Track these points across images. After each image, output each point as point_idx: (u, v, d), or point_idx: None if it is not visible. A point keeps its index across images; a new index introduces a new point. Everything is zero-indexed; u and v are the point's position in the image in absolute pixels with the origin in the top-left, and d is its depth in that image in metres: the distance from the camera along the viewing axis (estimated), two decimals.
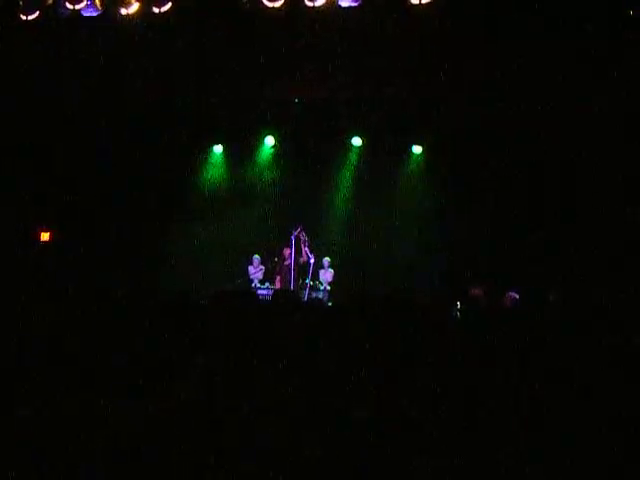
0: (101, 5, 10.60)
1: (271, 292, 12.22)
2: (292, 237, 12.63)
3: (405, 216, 13.19)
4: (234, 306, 4.79)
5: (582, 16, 9.34)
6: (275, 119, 13.64)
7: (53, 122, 12.42)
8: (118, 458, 3.27)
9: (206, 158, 14.40)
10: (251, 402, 3.60)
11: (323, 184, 13.81)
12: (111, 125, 12.66)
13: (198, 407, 3.62)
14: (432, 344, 4.35)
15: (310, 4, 10.07)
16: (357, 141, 13.83)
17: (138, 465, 3.25)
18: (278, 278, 13.09)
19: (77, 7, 10.54)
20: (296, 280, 12.72)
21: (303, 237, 12.68)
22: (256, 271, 13.43)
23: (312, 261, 12.70)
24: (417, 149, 13.65)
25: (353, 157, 13.97)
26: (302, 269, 12.84)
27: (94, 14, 10.66)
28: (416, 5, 9.73)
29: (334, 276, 13.14)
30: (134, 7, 10.55)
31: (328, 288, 12.97)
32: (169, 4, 10.41)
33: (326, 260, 13.19)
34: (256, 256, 13.42)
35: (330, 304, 11.18)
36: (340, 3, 10.07)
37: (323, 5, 10.05)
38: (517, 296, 8.79)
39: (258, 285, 13.14)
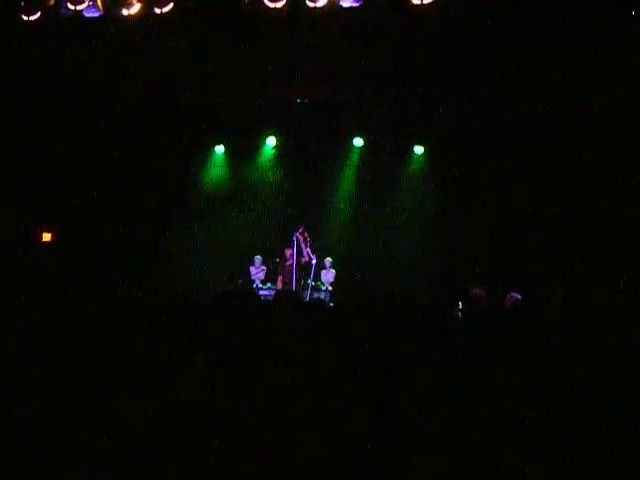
0: (102, 6, 10.60)
1: (273, 292, 12.21)
2: (294, 237, 12.62)
3: (406, 216, 13.21)
4: (235, 306, 4.80)
5: (582, 16, 9.34)
6: (277, 119, 13.68)
7: (54, 122, 12.43)
8: (118, 458, 3.27)
9: (208, 158, 14.41)
10: (251, 402, 3.60)
11: (325, 184, 13.82)
12: (112, 126, 12.66)
13: (198, 407, 3.62)
14: (432, 344, 4.35)
15: (311, 4, 10.06)
16: (359, 141, 13.84)
17: (138, 465, 3.25)
18: (280, 278, 13.09)
19: (78, 8, 10.53)
20: (298, 280, 12.72)
21: (305, 237, 12.68)
22: (258, 271, 13.44)
23: (314, 261, 12.70)
24: (419, 149, 13.65)
25: (354, 157, 13.99)
26: (304, 269, 12.83)
27: (96, 15, 10.66)
28: (417, 5, 9.73)
29: (336, 276, 13.14)
30: (135, 8, 10.55)
31: (330, 288, 12.97)
32: (171, 4, 10.41)
33: (328, 260, 13.19)
34: (258, 256, 13.43)
35: (332, 304, 11.18)
36: (341, 3, 10.07)
37: (324, 5, 10.05)
38: (519, 296, 8.77)
39: (260, 285, 13.15)
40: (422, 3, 9.68)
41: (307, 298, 12.06)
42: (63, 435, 3.36)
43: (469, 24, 9.86)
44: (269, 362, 4.03)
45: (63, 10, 10.65)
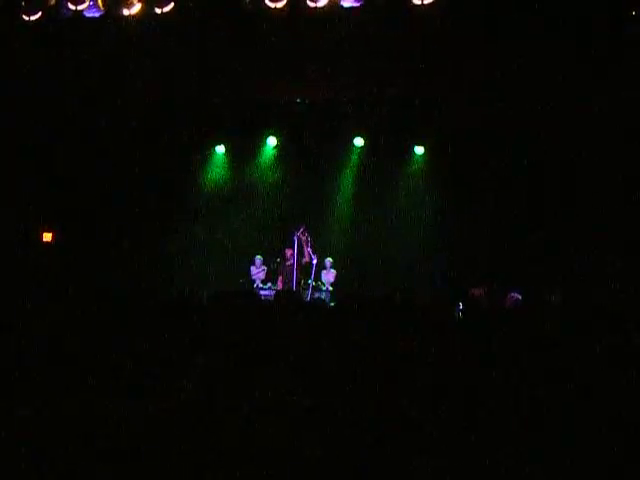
0: (103, 6, 10.60)
1: (273, 292, 12.22)
2: (294, 237, 12.61)
3: (407, 216, 13.19)
4: (234, 306, 4.80)
5: (582, 16, 9.34)
6: (277, 119, 13.66)
7: (55, 123, 12.43)
8: (118, 458, 3.27)
9: (208, 158, 14.39)
10: (251, 402, 3.60)
11: (325, 184, 13.80)
12: (112, 126, 12.66)
13: (198, 407, 3.62)
14: (432, 344, 4.35)
15: (312, 4, 10.06)
16: (359, 141, 13.83)
17: (138, 465, 3.25)
18: (280, 279, 13.08)
19: (79, 8, 10.54)
20: (298, 281, 12.72)
21: (305, 237, 12.67)
22: (258, 271, 13.42)
23: (315, 262, 12.69)
24: (419, 150, 13.65)
25: (355, 158, 13.96)
26: (304, 270, 12.83)
27: (96, 15, 10.66)
28: (417, 5, 9.73)
29: (336, 277, 13.13)
30: (136, 8, 10.55)
31: (330, 289, 12.96)
32: (171, 4, 10.41)
33: (328, 261, 13.18)
34: (258, 257, 13.42)
35: (332, 305, 11.18)
36: (342, 3, 10.07)
37: (325, 5, 10.05)
38: (519, 296, 8.77)
39: (260, 285, 13.14)
40: (422, 3, 9.67)
41: (308, 298, 12.06)
42: (63, 435, 3.37)
43: (469, 24, 9.86)
44: (269, 362, 4.03)
45: (64, 10, 10.65)
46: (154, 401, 3.61)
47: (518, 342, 4.50)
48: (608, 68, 9.86)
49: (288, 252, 12.87)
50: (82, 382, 3.82)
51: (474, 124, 11.89)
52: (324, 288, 12.97)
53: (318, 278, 13.06)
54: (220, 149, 14.38)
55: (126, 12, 10.58)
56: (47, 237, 13.75)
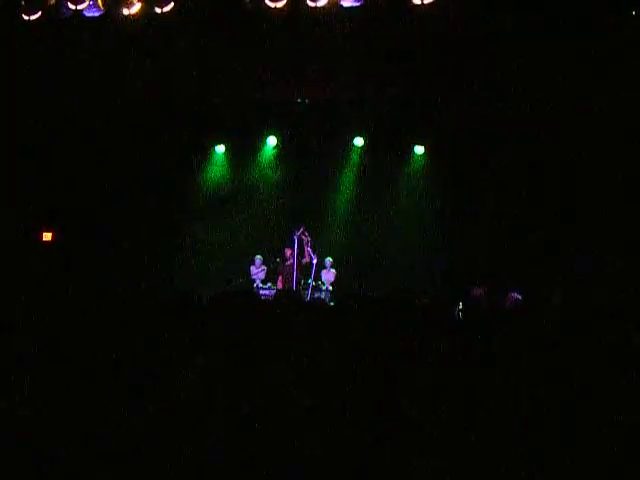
0: (103, 5, 10.59)
1: (273, 292, 12.22)
2: (294, 237, 12.62)
3: (407, 216, 13.21)
4: (234, 306, 4.80)
5: (582, 16, 9.33)
6: (277, 119, 13.67)
7: (55, 122, 12.43)
8: (118, 458, 3.27)
9: (208, 158, 14.40)
10: (251, 402, 3.60)
11: (325, 184, 13.81)
12: (112, 125, 12.66)
13: (198, 407, 3.62)
14: (432, 344, 4.35)
15: (312, 4, 10.05)
16: (359, 141, 13.83)
17: (138, 465, 3.25)
18: (280, 278, 13.09)
19: (79, 7, 10.52)
20: (298, 280, 12.73)
21: (306, 237, 12.68)
22: (258, 271, 13.43)
23: (315, 261, 12.70)
24: (419, 149, 13.65)
25: (355, 157, 13.97)
26: (304, 269, 12.84)
27: (96, 14, 10.65)
28: (418, 5, 9.72)
29: (336, 276, 13.14)
30: (136, 7, 10.54)
31: (330, 288, 12.96)
32: (171, 4, 10.40)
33: (328, 260, 13.18)
34: (258, 256, 13.42)
35: (332, 304, 11.18)
36: (342, 3, 10.06)
37: (325, 5, 10.05)
38: (519, 296, 8.77)
39: (260, 285, 13.15)
40: (422, 3, 9.66)
41: (308, 298, 12.06)
42: (63, 435, 3.37)
43: (469, 24, 9.85)
44: (269, 362, 4.03)
45: (64, 10, 10.63)
46: (154, 401, 3.60)
47: (518, 342, 4.50)
48: (608, 68, 9.86)
49: (288, 252, 12.89)
50: (82, 382, 3.82)
51: (474, 124, 11.90)
52: (324, 288, 12.97)
53: (318, 278, 13.07)
54: (220, 149, 14.38)
55: (126, 12, 10.57)
56: (47, 237, 13.75)
